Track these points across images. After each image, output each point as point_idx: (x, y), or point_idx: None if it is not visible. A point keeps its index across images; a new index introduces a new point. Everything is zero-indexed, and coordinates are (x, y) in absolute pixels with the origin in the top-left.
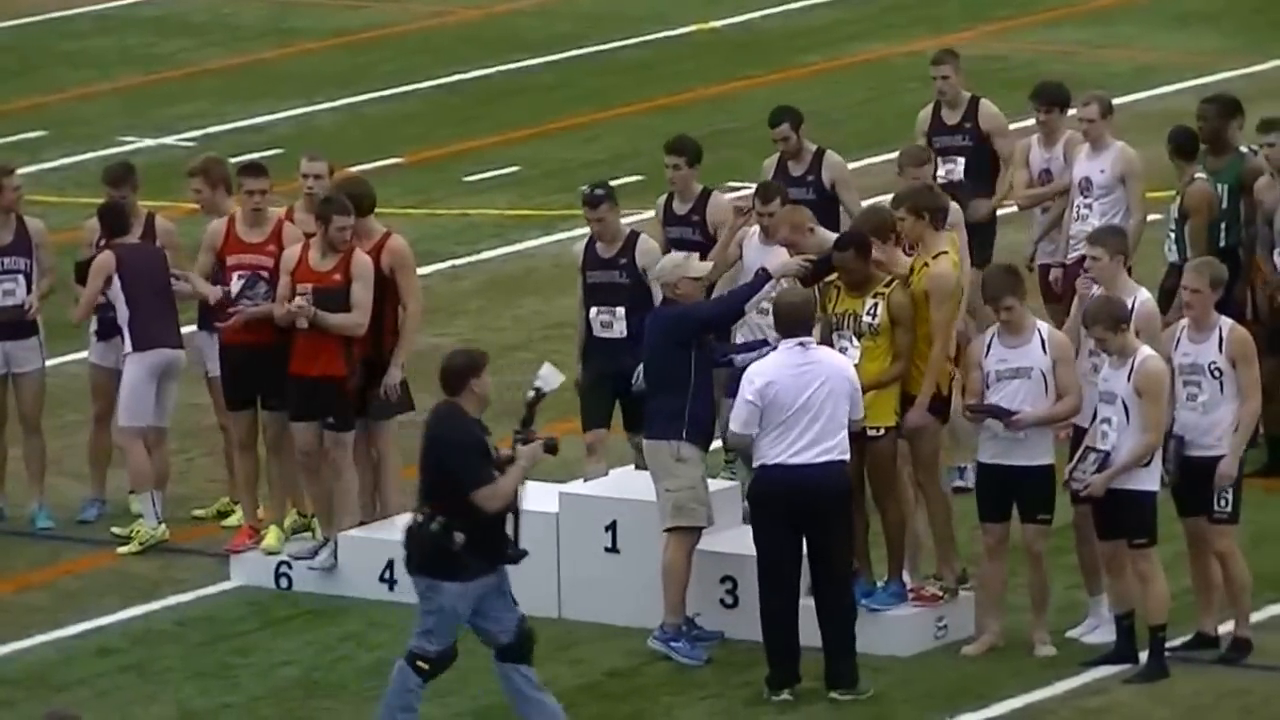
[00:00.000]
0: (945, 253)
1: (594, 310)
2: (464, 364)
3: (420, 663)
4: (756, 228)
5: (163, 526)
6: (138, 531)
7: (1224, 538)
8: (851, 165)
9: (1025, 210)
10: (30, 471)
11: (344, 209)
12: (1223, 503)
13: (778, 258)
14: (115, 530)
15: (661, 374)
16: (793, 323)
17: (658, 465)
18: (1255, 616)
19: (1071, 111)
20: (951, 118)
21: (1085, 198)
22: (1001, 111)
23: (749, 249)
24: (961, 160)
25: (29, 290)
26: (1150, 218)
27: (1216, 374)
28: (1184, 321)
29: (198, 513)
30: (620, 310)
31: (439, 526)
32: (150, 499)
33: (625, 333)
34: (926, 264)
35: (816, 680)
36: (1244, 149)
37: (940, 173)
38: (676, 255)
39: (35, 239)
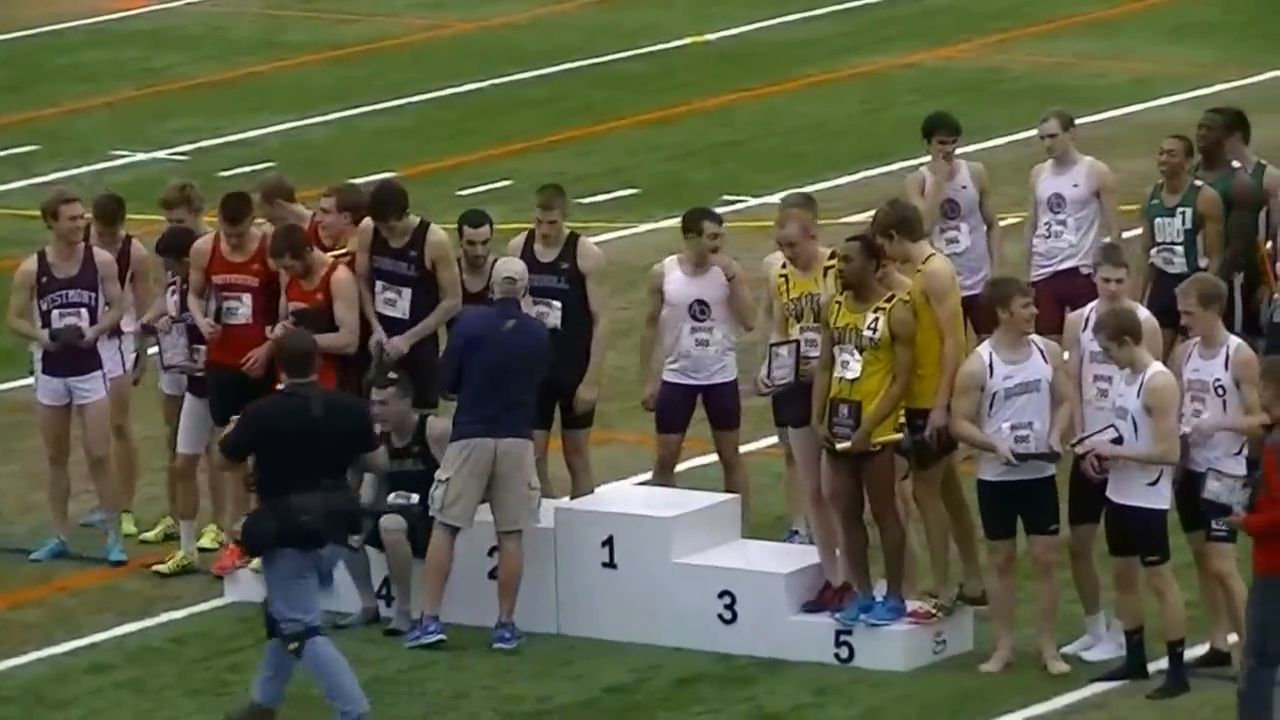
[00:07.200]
0: (934, 254)
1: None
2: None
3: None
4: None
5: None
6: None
7: (1224, 558)
8: (847, 179)
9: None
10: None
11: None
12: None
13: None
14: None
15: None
16: None
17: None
18: None
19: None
20: (546, 255)
21: (1056, 214)
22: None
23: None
24: (558, 305)
25: (92, 324)
26: (1126, 234)
27: None
28: None
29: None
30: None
31: None
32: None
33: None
34: (919, 270)
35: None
36: (1235, 164)
37: (536, 311)
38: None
39: (101, 272)
